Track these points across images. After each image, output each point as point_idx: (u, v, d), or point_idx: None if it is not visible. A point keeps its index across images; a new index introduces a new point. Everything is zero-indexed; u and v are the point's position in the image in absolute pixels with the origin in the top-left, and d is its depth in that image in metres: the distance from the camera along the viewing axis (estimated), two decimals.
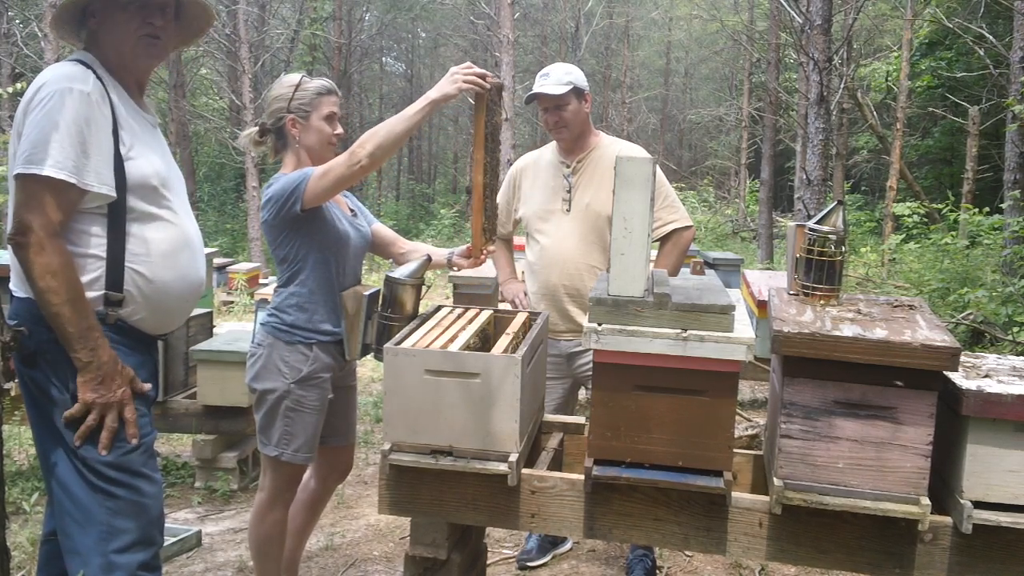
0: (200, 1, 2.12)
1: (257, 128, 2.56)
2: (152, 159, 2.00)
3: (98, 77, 1.91)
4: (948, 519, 1.81)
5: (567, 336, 3.11)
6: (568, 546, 3.44)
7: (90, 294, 1.89)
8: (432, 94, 2.24)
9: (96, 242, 1.91)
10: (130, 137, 1.95)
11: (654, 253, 2.83)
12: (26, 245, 1.80)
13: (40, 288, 1.81)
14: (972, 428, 1.73)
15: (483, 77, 2.25)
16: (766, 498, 1.88)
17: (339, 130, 2.53)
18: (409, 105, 2.29)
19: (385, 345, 2.00)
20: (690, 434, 1.86)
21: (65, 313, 1.81)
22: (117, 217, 1.92)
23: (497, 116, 2.32)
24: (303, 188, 2.30)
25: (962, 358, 1.92)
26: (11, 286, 1.96)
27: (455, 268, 2.63)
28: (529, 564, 3.27)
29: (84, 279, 1.88)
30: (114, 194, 1.90)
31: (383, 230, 2.77)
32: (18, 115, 1.87)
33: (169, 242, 2.01)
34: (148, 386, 1.98)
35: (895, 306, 2.04)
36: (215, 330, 4.56)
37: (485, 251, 2.45)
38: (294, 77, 2.52)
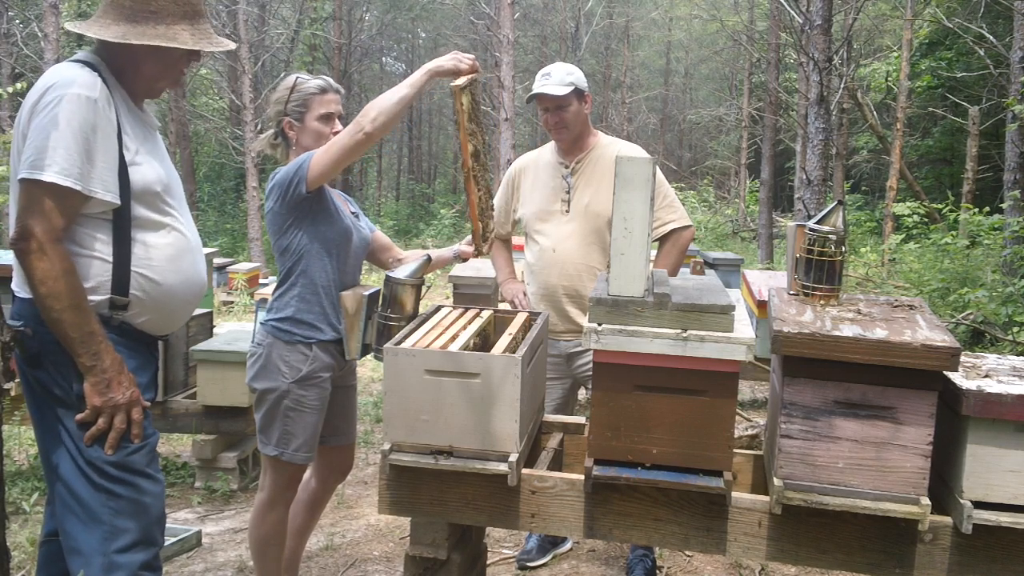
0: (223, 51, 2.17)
1: (272, 132, 2.58)
2: (155, 164, 2.01)
3: (104, 81, 1.91)
4: (948, 519, 1.81)
5: (567, 336, 3.10)
6: (568, 546, 3.44)
7: (96, 298, 1.90)
8: (429, 65, 2.30)
9: (102, 247, 1.91)
10: (134, 143, 1.96)
11: (653, 253, 2.83)
12: (29, 251, 1.80)
13: (42, 293, 1.81)
14: (972, 428, 1.74)
15: (473, 69, 2.31)
16: (766, 498, 1.88)
17: (337, 128, 2.51)
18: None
19: (385, 345, 2.00)
20: (690, 434, 1.86)
21: (67, 318, 1.82)
22: (122, 222, 1.93)
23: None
24: (306, 167, 2.30)
25: (962, 358, 1.92)
26: (13, 286, 1.97)
27: (462, 259, 2.67)
28: (529, 564, 3.27)
29: (90, 283, 1.89)
30: (118, 201, 1.90)
31: (379, 236, 2.78)
32: (22, 116, 1.87)
33: (173, 246, 2.02)
34: (147, 403, 1.99)
35: (895, 306, 2.04)
36: (215, 330, 4.56)
37: (487, 236, 2.45)
38: (291, 79, 2.53)
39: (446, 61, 2.29)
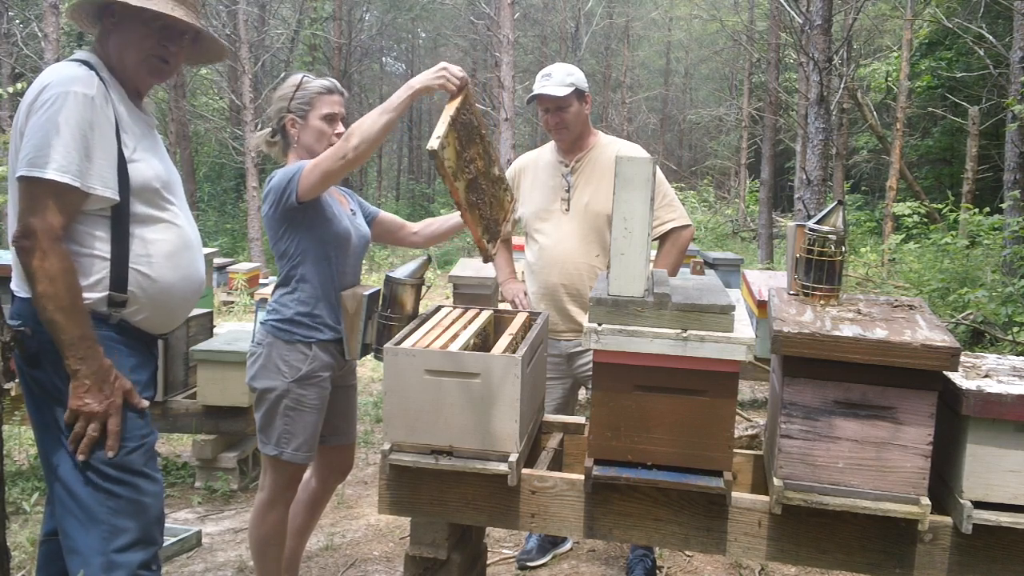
0: (218, 40, 2.15)
1: (269, 130, 2.57)
2: (153, 161, 2.01)
3: (101, 79, 1.91)
4: (948, 519, 1.81)
5: (567, 336, 3.11)
6: (568, 546, 3.44)
7: (94, 295, 1.90)
8: (415, 83, 2.23)
9: (100, 244, 1.91)
10: (132, 140, 1.96)
11: (653, 253, 2.83)
12: (30, 250, 1.80)
13: (38, 292, 1.81)
14: (972, 428, 1.74)
15: (463, 85, 2.20)
16: (766, 498, 1.88)
17: (339, 129, 2.51)
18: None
19: (385, 345, 2.00)
20: (690, 434, 1.86)
21: (59, 320, 1.81)
22: (120, 219, 1.93)
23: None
24: (297, 180, 2.31)
25: (962, 358, 1.92)
26: (12, 286, 1.97)
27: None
28: (529, 564, 3.27)
29: (88, 280, 1.89)
30: (117, 197, 1.90)
31: (389, 218, 2.79)
32: (20, 115, 1.87)
33: (171, 243, 2.02)
34: (145, 403, 1.98)
35: (895, 306, 2.04)
36: (215, 330, 4.56)
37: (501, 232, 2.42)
38: (297, 77, 2.53)
39: (433, 79, 2.20)
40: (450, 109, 2.16)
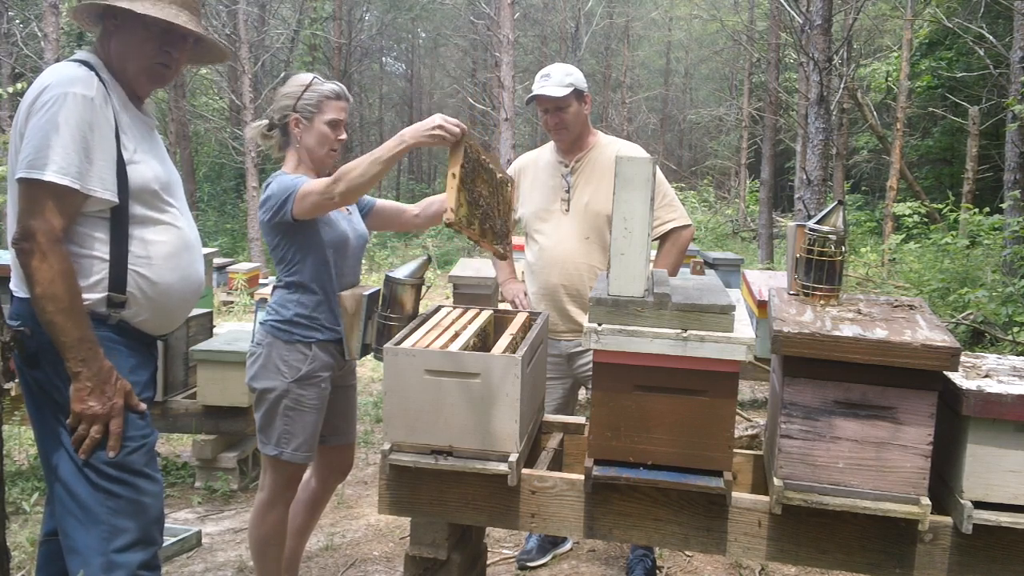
0: (219, 43, 2.15)
1: (266, 122, 2.57)
2: (153, 163, 2.00)
3: (101, 80, 1.91)
4: (948, 519, 1.81)
5: (567, 336, 3.10)
6: (568, 546, 3.44)
7: (93, 296, 1.90)
8: (407, 137, 2.21)
9: (99, 245, 1.91)
10: (132, 141, 1.95)
11: (653, 253, 2.83)
12: (30, 251, 1.80)
13: (37, 294, 1.81)
14: (972, 428, 1.74)
15: (460, 136, 2.18)
16: (766, 498, 1.88)
17: (342, 136, 2.52)
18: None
19: (385, 345, 2.00)
20: (690, 434, 1.86)
21: (59, 322, 1.81)
22: (120, 220, 1.93)
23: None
24: (293, 199, 2.34)
25: (962, 358, 1.92)
26: (12, 286, 1.97)
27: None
28: (529, 564, 3.27)
29: (87, 281, 1.89)
30: (116, 199, 1.90)
31: (388, 204, 2.79)
32: (20, 115, 1.87)
33: (170, 244, 2.02)
34: (143, 406, 1.98)
35: (895, 306, 2.04)
36: (215, 330, 4.56)
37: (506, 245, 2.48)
38: (306, 77, 2.52)
39: (427, 137, 2.17)
40: (454, 167, 2.16)
